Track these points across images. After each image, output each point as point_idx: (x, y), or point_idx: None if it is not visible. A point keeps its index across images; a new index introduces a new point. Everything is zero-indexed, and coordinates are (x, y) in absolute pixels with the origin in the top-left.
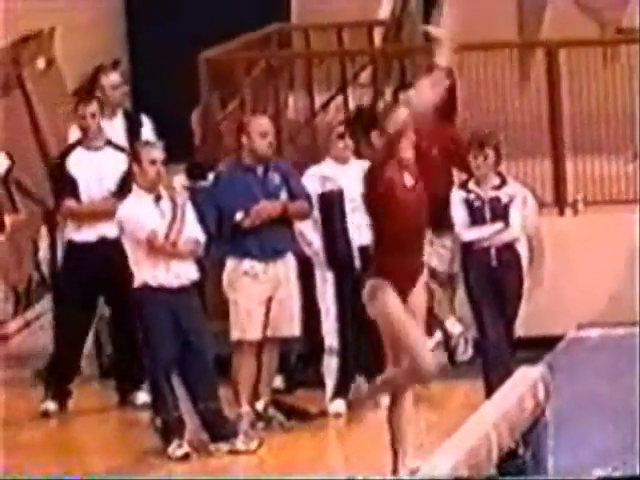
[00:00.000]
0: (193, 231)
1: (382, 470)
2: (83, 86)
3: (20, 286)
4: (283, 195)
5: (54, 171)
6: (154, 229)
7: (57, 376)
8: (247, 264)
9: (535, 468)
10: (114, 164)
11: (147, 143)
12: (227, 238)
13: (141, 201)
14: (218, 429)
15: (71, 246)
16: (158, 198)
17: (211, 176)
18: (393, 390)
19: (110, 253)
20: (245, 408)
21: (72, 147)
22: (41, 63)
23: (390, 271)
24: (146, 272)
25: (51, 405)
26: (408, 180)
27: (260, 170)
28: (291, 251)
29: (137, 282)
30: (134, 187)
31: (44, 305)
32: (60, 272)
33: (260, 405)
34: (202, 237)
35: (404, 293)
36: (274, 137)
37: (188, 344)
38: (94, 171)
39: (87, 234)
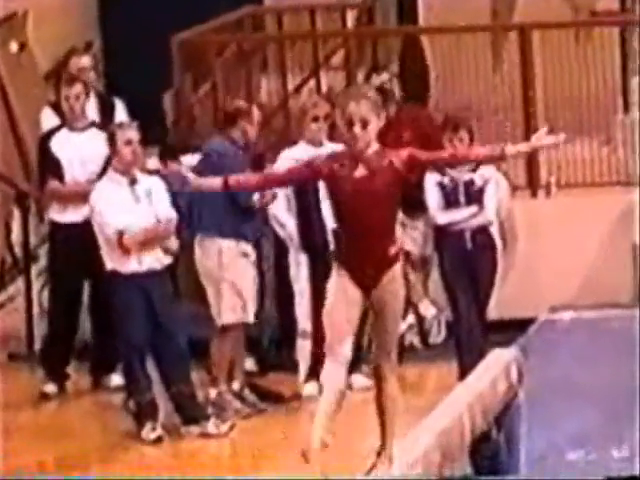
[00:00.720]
0: (165, 211)
1: (357, 452)
2: (55, 69)
3: None
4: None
5: (38, 152)
6: (121, 229)
7: (54, 358)
8: (242, 245)
9: (508, 451)
10: (98, 145)
11: (122, 124)
12: (225, 219)
13: (115, 185)
14: (190, 412)
15: (56, 227)
16: (133, 181)
17: (185, 159)
18: (375, 375)
19: (94, 234)
20: (223, 387)
21: (56, 129)
22: (14, 46)
23: (348, 262)
24: (116, 261)
25: (51, 387)
26: (359, 172)
27: (250, 151)
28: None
29: (108, 266)
30: (109, 170)
31: (17, 287)
32: (48, 253)
33: (237, 385)
34: (175, 216)
35: (366, 287)
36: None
37: (161, 327)
38: (78, 152)
39: (72, 215)
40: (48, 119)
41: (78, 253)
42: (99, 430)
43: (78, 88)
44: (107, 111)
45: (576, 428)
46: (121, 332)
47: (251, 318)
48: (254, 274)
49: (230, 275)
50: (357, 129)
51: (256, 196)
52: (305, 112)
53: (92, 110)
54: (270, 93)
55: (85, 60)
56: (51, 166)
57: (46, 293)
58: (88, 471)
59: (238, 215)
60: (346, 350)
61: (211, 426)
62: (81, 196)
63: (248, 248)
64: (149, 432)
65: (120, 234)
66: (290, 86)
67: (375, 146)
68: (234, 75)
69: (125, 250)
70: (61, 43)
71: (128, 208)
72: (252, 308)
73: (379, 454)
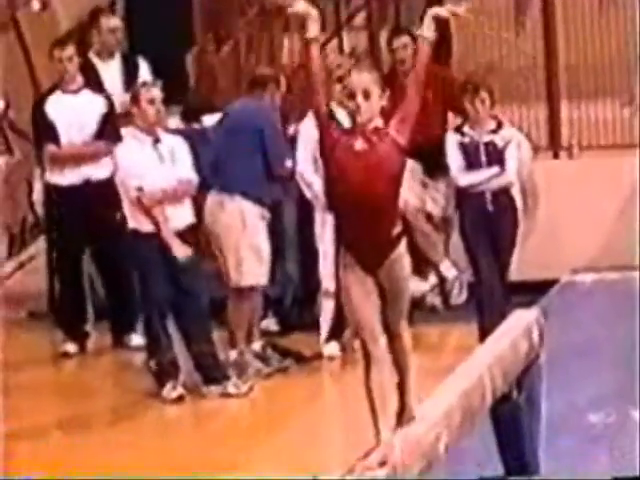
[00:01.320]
0: (186, 172)
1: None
2: (80, 27)
3: (14, 227)
4: None
5: (33, 116)
6: (140, 186)
7: (70, 318)
8: (264, 211)
9: (528, 412)
10: (93, 107)
11: (145, 83)
12: (253, 180)
13: (139, 144)
14: (211, 372)
15: (55, 190)
16: (157, 140)
17: (206, 118)
18: (364, 357)
19: (95, 195)
20: (243, 347)
21: (49, 92)
22: (36, 5)
23: (351, 244)
24: (138, 219)
25: (71, 347)
26: (360, 144)
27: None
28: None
29: (130, 225)
30: (131, 129)
31: (38, 246)
32: (47, 215)
33: (257, 346)
34: (195, 178)
35: (370, 269)
36: None
37: (181, 286)
38: (73, 115)
39: (71, 177)
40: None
41: (79, 214)
42: (119, 389)
43: (70, 50)
44: (131, 71)
45: (596, 389)
46: (142, 291)
47: (266, 281)
48: (269, 239)
49: (249, 238)
50: (359, 99)
51: (290, 163)
52: (330, 73)
53: (115, 70)
54: (292, 53)
55: (115, 21)
56: (47, 130)
57: None
58: (107, 430)
59: (266, 180)
60: (382, 348)
61: (231, 386)
62: (78, 158)
63: (265, 211)
64: (170, 391)
65: (139, 192)
66: None
67: (378, 121)
68: (256, 35)
69: (144, 209)
70: (84, 2)
71: (151, 166)
72: (267, 271)
73: (400, 415)
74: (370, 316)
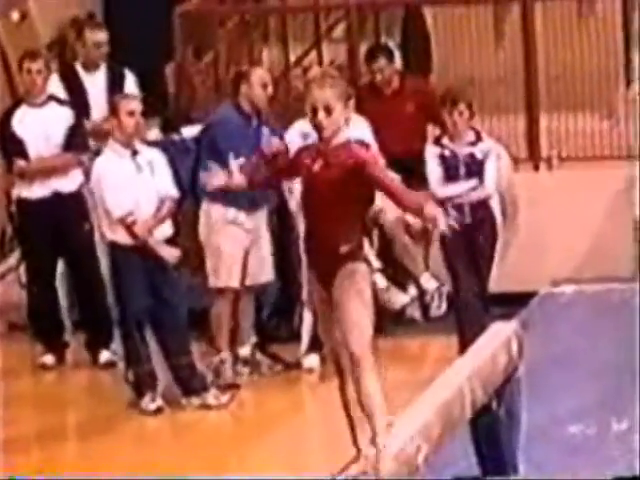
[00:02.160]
0: (166, 187)
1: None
2: (60, 39)
3: None
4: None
5: (0, 132)
6: (130, 211)
7: (44, 329)
8: (232, 212)
9: (508, 424)
10: (59, 119)
11: (125, 95)
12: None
13: (117, 157)
14: (189, 383)
15: (24, 203)
16: (135, 153)
17: (185, 130)
18: (337, 372)
19: (65, 208)
20: (225, 354)
21: (15, 106)
22: (15, 15)
23: (310, 259)
24: (117, 234)
25: (48, 358)
26: (318, 165)
27: (255, 120)
28: (268, 203)
29: (108, 237)
30: (110, 141)
31: (18, 257)
32: (18, 230)
33: (246, 350)
34: (176, 194)
35: (325, 283)
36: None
37: (160, 298)
38: (40, 128)
39: (40, 190)
40: (56, 86)
41: (49, 228)
42: (97, 400)
43: (40, 63)
44: (116, 83)
45: (576, 401)
46: (121, 302)
47: (235, 284)
48: (245, 242)
49: (216, 240)
50: (321, 115)
51: (235, 165)
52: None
53: (100, 82)
54: (272, 65)
55: (101, 35)
56: (15, 145)
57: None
58: (86, 441)
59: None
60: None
61: (211, 397)
62: (47, 171)
63: (240, 216)
64: (149, 403)
65: (125, 217)
66: (292, 58)
67: (343, 137)
68: (236, 46)
69: (131, 233)
70: (63, 13)
71: (131, 181)
72: (237, 275)
73: (357, 456)
74: (335, 331)
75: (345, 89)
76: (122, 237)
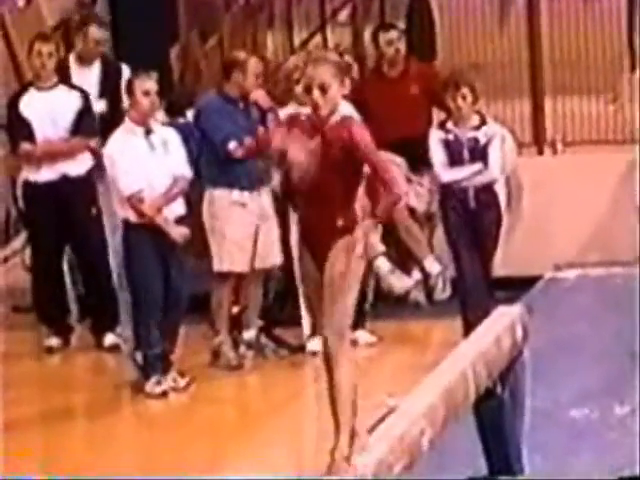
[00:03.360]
0: (180, 167)
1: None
2: (65, 25)
3: None
4: (261, 128)
5: (8, 114)
6: (139, 190)
7: (49, 312)
8: (236, 194)
9: (512, 408)
10: (67, 103)
11: (140, 74)
12: (214, 168)
13: (130, 135)
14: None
15: (31, 187)
16: (148, 132)
17: (190, 112)
18: (325, 359)
19: (72, 192)
20: (223, 336)
21: (24, 89)
22: (20, 1)
23: (302, 231)
24: (129, 211)
25: (54, 341)
26: (315, 142)
27: (241, 103)
28: (269, 182)
29: (120, 215)
30: (125, 120)
31: (22, 241)
32: (24, 213)
33: (251, 334)
34: (189, 173)
35: (318, 258)
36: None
37: (168, 279)
38: (48, 111)
39: (47, 174)
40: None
41: (56, 211)
42: (102, 383)
43: (52, 46)
44: (112, 77)
45: (579, 385)
46: (134, 281)
47: (240, 268)
48: (252, 224)
49: (220, 224)
50: (315, 94)
51: (233, 144)
52: (290, 75)
53: (94, 75)
54: (276, 48)
55: (102, 33)
56: (21, 128)
57: None
58: (91, 423)
59: (227, 165)
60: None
61: (150, 385)
62: (54, 155)
63: (244, 197)
64: (154, 386)
65: (134, 195)
66: (296, 42)
67: (339, 115)
68: (241, 30)
69: (138, 211)
70: None
71: (144, 160)
72: (243, 258)
73: (332, 453)
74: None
75: (341, 67)
76: (133, 215)
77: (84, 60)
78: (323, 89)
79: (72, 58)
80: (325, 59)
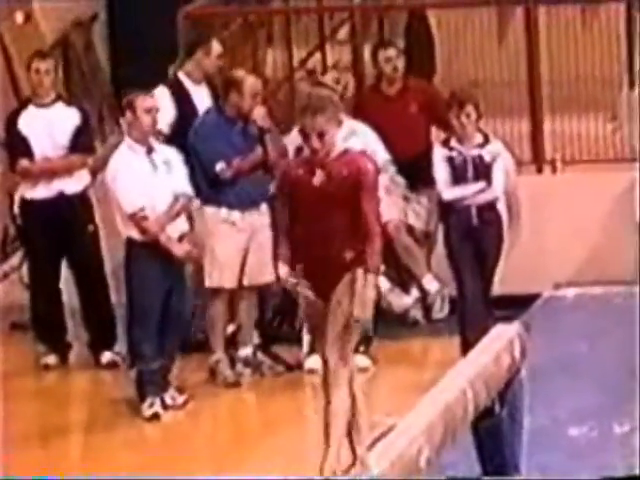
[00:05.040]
0: (182, 185)
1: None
2: (63, 41)
3: None
4: (259, 148)
5: (6, 131)
6: (142, 207)
7: (46, 329)
8: (224, 212)
9: (511, 426)
10: (66, 120)
11: (141, 93)
12: (205, 186)
13: (132, 154)
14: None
15: (28, 204)
16: (150, 150)
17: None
18: (323, 382)
19: (69, 209)
20: (219, 354)
21: (22, 106)
22: (19, 17)
23: (306, 267)
24: (132, 230)
25: (51, 359)
26: (318, 178)
27: (240, 122)
28: (266, 201)
29: (123, 233)
30: (125, 139)
31: (20, 257)
32: (22, 230)
33: (248, 351)
34: (190, 191)
35: (321, 290)
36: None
37: (170, 297)
38: (46, 128)
39: (44, 191)
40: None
41: (53, 228)
42: (98, 401)
43: (49, 63)
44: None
45: (578, 404)
46: (133, 298)
47: (229, 284)
48: (240, 242)
49: (209, 241)
50: (315, 141)
51: (219, 166)
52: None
53: (206, 94)
54: (276, 66)
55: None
56: (19, 144)
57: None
58: (87, 441)
59: (216, 184)
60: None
61: (168, 398)
62: (51, 172)
63: (232, 215)
64: (147, 408)
65: (136, 213)
66: (296, 60)
67: (337, 150)
68: (240, 48)
69: (141, 229)
70: (67, 14)
71: (146, 178)
72: (231, 275)
73: (321, 467)
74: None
75: (335, 107)
76: (136, 233)
77: (195, 78)
78: (321, 135)
79: (183, 78)
80: (323, 108)
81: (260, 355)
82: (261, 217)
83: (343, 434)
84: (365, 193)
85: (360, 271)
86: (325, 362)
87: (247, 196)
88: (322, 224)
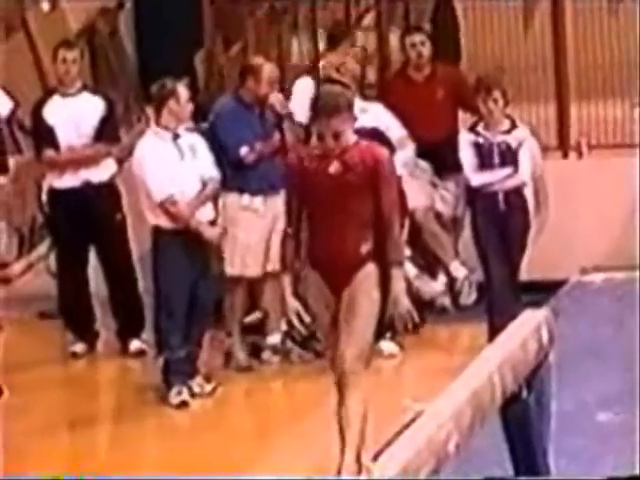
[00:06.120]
0: (208, 170)
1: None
2: (89, 29)
3: (24, 227)
4: (277, 133)
5: (32, 121)
6: (171, 194)
7: (75, 318)
8: (247, 199)
9: (538, 412)
10: (91, 109)
11: (170, 80)
12: (227, 173)
13: (159, 140)
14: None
15: (55, 193)
16: (176, 136)
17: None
18: (339, 384)
19: (96, 198)
20: (234, 338)
21: (47, 96)
22: (45, 5)
23: (319, 261)
24: (160, 218)
25: (79, 347)
26: (334, 167)
27: (257, 108)
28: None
29: (150, 221)
30: (151, 126)
31: (47, 246)
32: (49, 219)
33: (276, 338)
34: (217, 175)
35: (335, 288)
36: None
37: (196, 286)
38: (71, 118)
39: (71, 180)
40: None
41: (80, 218)
42: (126, 388)
43: (76, 52)
44: None
45: (605, 389)
46: (160, 287)
47: (252, 272)
48: (263, 229)
49: (231, 228)
50: (329, 141)
51: (244, 150)
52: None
53: None
54: (301, 53)
55: None
56: (45, 135)
57: None
58: (115, 428)
59: (238, 169)
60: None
61: (196, 385)
62: (77, 161)
63: (255, 202)
64: (175, 396)
65: (166, 200)
66: (321, 47)
67: (351, 142)
68: (265, 36)
69: (172, 216)
70: (92, 3)
71: (173, 165)
72: (254, 263)
73: (339, 471)
74: (334, 331)
75: (349, 105)
76: (165, 221)
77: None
78: (336, 136)
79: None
80: (337, 109)
81: (289, 343)
82: (282, 201)
83: (362, 440)
84: (382, 182)
85: (373, 266)
86: (336, 361)
87: (268, 181)
88: (338, 215)
